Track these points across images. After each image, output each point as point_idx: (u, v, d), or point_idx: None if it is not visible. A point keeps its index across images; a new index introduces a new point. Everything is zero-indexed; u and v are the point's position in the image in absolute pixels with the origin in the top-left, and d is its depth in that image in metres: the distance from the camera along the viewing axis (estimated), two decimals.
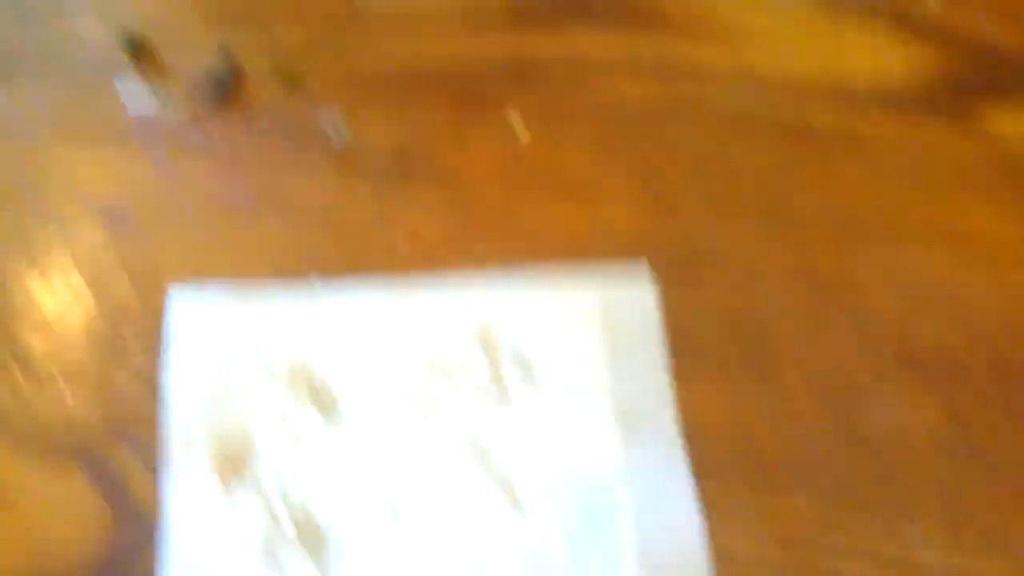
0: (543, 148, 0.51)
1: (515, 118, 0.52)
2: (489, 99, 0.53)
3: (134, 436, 0.43)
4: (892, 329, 0.46)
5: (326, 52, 0.54)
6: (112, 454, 0.43)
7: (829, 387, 0.45)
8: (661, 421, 0.44)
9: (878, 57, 0.54)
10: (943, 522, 0.42)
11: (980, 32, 0.55)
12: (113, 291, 0.47)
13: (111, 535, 0.41)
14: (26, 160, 0.51)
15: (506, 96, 0.53)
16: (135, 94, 0.52)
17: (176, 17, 0.56)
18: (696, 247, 0.48)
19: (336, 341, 0.45)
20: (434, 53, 0.54)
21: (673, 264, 0.47)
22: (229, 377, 0.44)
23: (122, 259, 0.48)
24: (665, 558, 0.41)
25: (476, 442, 0.43)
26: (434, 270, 0.47)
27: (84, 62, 0.54)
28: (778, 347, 0.46)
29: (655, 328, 0.46)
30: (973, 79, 0.54)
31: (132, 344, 0.45)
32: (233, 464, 0.42)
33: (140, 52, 0.53)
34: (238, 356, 0.44)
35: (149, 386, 0.44)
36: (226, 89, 0.52)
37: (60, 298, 0.47)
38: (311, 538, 0.41)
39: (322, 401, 0.44)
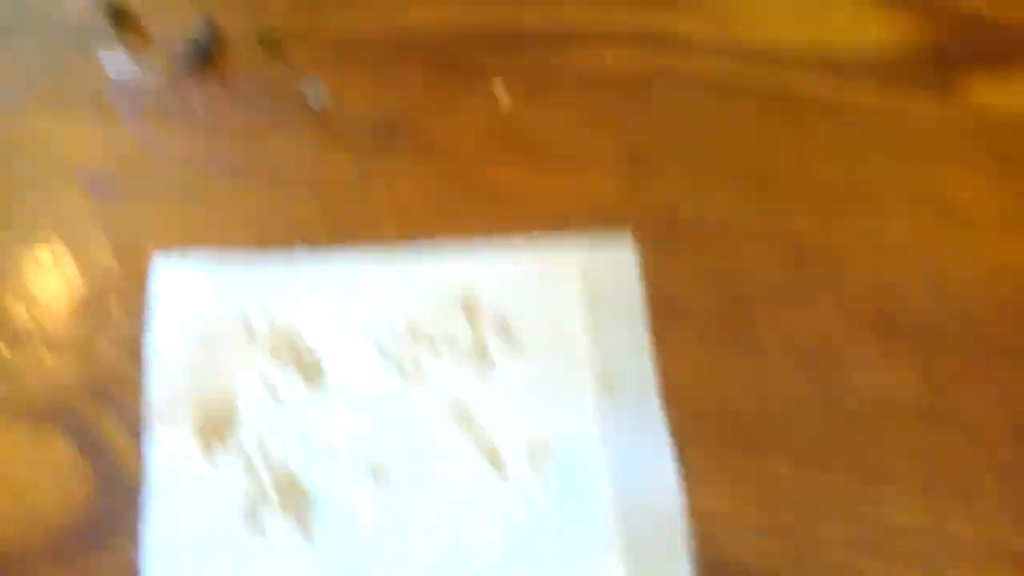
0: (526, 117, 0.51)
1: (499, 87, 0.52)
2: (473, 67, 0.53)
3: (117, 401, 0.43)
4: (871, 295, 0.46)
5: (308, 19, 0.54)
6: (95, 419, 0.43)
7: (808, 352, 0.45)
8: (641, 385, 0.44)
9: (862, 27, 0.55)
10: (919, 484, 0.42)
11: (964, 3, 0.55)
12: (96, 258, 0.47)
13: (94, 499, 0.41)
14: (8, 128, 0.51)
15: (490, 65, 0.53)
16: (117, 62, 0.52)
17: None
18: (678, 214, 0.48)
19: (319, 307, 0.45)
20: (417, 21, 0.54)
21: (654, 231, 0.47)
22: (212, 342, 0.44)
23: (105, 226, 0.48)
24: (643, 519, 0.41)
25: (458, 406, 0.43)
26: (416, 238, 0.47)
27: (66, 29, 0.54)
28: (758, 312, 0.46)
29: (636, 294, 0.46)
30: (956, 49, 0.54)
31: (115, 310, 0.45)
32: (215, 428, 0.42)
33: (122, 19, 0.53)
34: (221, 321, 0.45)
35: (132, 351, 0.44)
36: (208, 56, 0.52)
37: (43, 265, 0.47)
38: (293, 501, 0.41)
39: (305, 365, 0.44)
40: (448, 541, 0.41)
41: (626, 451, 0.42)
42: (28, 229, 0.48)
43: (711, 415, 0.44)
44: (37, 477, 0.42)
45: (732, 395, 0.44)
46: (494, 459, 0.42)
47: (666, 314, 0.46)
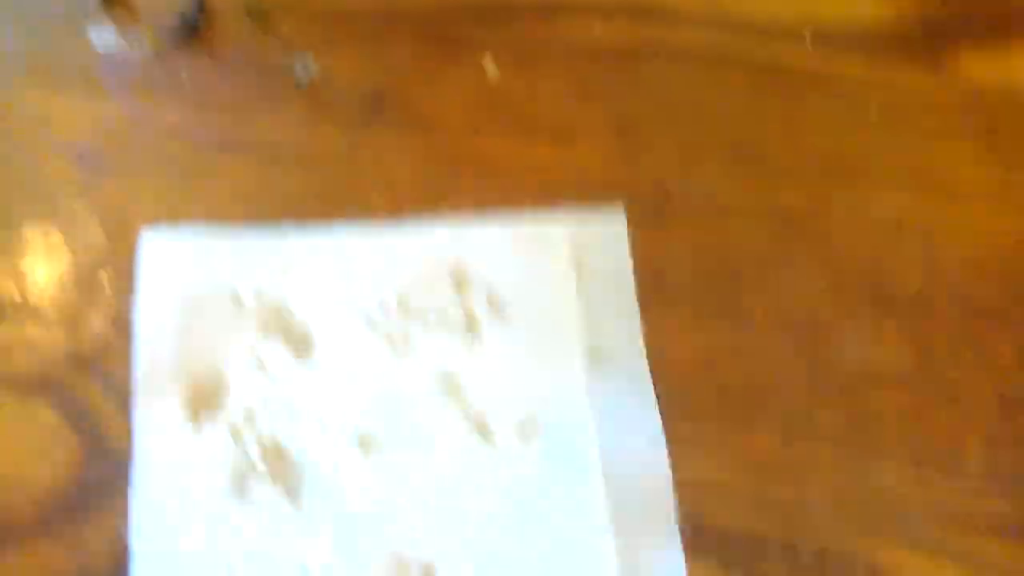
0: (515, 89, 0.51)
1: (488, 60, 0.52)
2: (462, 40, 0.52)
3: (105, 373, 0.43)
4: (860, 267, 0.46)
5: None
6: (83, 391, 0.43)
7: (797, 324, 0.45)
8: (630, 356, 0.44)
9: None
10: (907, 454, 0.42)
11: None
12: (83, 231, 0.47)
13: (81, 470, 0.41)
14: None
15: (479, 37, 0.52)
16: (104, 35, 0.52)
17: None
18: (667, 186, 0.48)
19: (307, 279, 0.45)
20: None
21: (644, 203, 0.47)
22: (199, 314, 0.44)
23: (92, 199, 0.48)
24: (632, 490, 0.41)
25: (447, 378, 0.43)
26: (405, 211, 0.47)
27: (53, 3, 0.54)
28: (747, 285, 0.46)
29: (626, 266, 0.46)
30: (946, 22, 0.54)
31: (103, 283, 0.45)
32: (203, 400, 0.42)
33: None
34: (208, 294, 0.45)
35: (120, 324, 0.44)
36: (195, 29, 0.52)
37: (30, 238, 0.47)
38: (281, 471, 0.41)
39: (293, 338, 0.44)
40: (436, 512, 0.41)
41: (615, 423, 0.42)
42: (15, 202, 0.48)
43: (700, 387, 0.44)
44: (25, 448, 0.42)
45: (721, 367, 0.44)
46: (483, 431, 0.42)
47: (655, 287, 0.46)
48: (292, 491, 0.41)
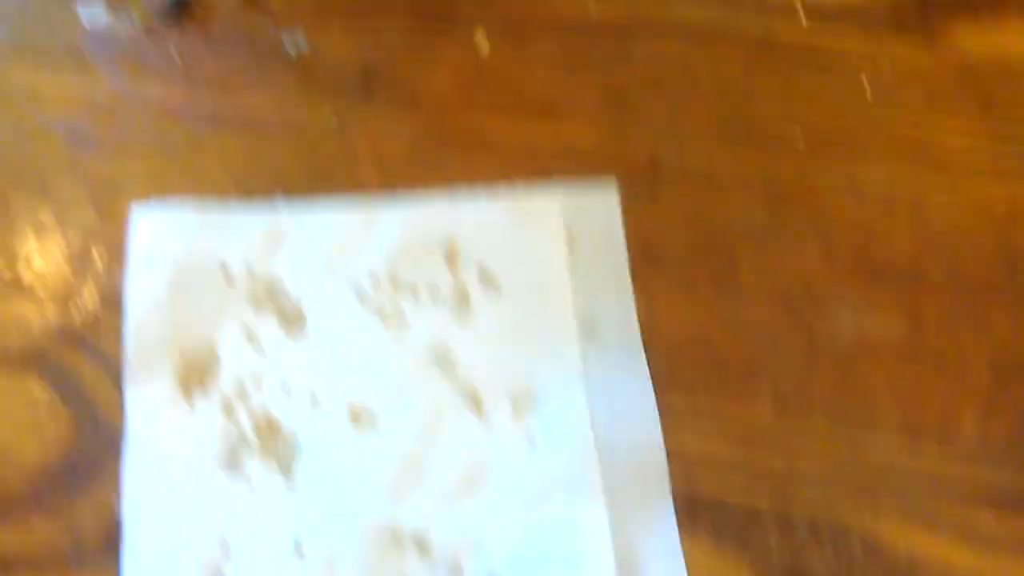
0: (508, 64, 0.51)
1: (480, 35, 0.51)
2: (453, 15, 0.52)
3: (96, 348, 0.43)
4: (853, 239, 0.46)
5: None
6: (75, 366, 0.43)
7: (790, 296, 0.45)
8: (623, 329, 0.44)
9: None
10: (900, 424, 0.42)
11: None
12: (73, 207, 0.47)
13: (74, 444, 0.41)
14: None
15: (470, 12, 0.52)
16: (94, 11, 0.51)
17: None
18: (659, 161, 0.48)
19: (298, 254, 0.45)
20: None
21: (637, 177, 0.47)
22: (190, 289, 0.44)
23: (82, 175, 0.47)
24: (627, 463, 0.41)
25: (440, 351, 0.43)
26: (396, 185, 0.47)
27: None
28: (740, 257, 0.46)
29: (618, 239, 0.46)
30: None
31: (95, 258, 0.45)
32: (195, 374, 0.42)
33: None
34: (199, 269, 0.44)
35: (111, 299, 0.44)
36: (185, 5, 0.51)
37: (20, 214, 0.46)
38: (274, 445, 0.41)
39: (284, 312, 0.44)
40: (429, 486, 0.41)
41: (608, 396, 0.42)
42: (5, 179, 0.48)
43: (693, 359, 0.44)
44: (16, 424, 0.42)
45: (714, 339, 0.44)
46: (476, 404, 0.42)
47: (648, 260, 0.46)
48: (284, 465, 0.41)
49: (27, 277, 0.45)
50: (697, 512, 0.41)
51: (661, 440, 0.42)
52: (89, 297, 0.44)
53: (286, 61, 0.51)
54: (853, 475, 0.41)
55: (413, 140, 0.49)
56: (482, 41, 0.51)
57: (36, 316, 0.44)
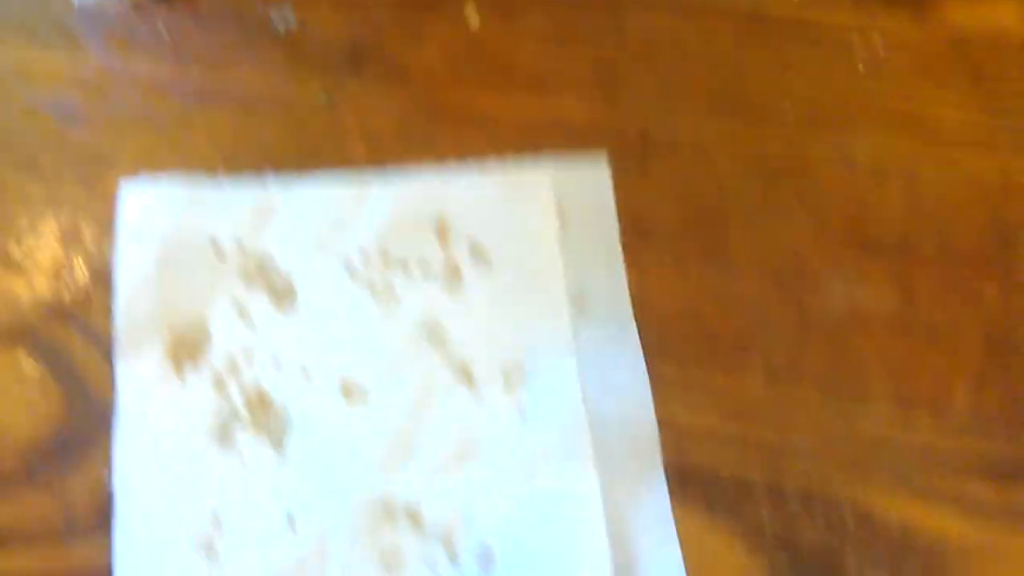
0: (497, 38, 0.51)
1: (470, 8, 0.51)
2: None
3: (87, 323, 0.43)
4: (845, 212, 0.46)
5: None
6: (65, 341, 0.43)
7: (781, 269, 0.45)
8: (614, 302, 0.44)
9: None
10: (891, 396, 0.42)
11: None
12: (63, 183, 0.46)
13: (65, 420, 0.41)
14: None
15: None
16: None
17: None
18: (650, 135, 0.48)
19: (288, 229, 0.45)
20: None
21: (628, 151, 0.47)
22: (180, 265, 0.44)
23: (72, 152, 0.47)
24: (619, 437, 0.41)
25: (431, 326, 0.43)
26: (386, 161, 0.47)
27: None
28: (731, 231, 0.46)
29: (610, 212, 0.46)
30: None
31: (84, 234, 0.45)
32: (186, 349, 0.42)
33: None
34: (189, 244, 0.44)
35: (101, 274, 0.44)
36: None
37: (8, 190, 0.46)
38: (265, 419, 0.41)
39: (275, 287, 0.44)
40: (421, 459, 0.41)
41: (600, 369, 0.42)
42: None
43: (685, 332, 0.44)
44: (7, 399, 0.42)
45: (706, 312, 0.44)
46: (467, 378, 0.42)
47: (640, 234, 0.46)
48: (276, 439, 0.41)
49: (16, 254, 0.45)
50: (689, 484, 0.41)
51: (653, 413, 0.42)
52: (79, 273, 0.44)
53: (274, 37, 0.50)
54: (845, 448, 0.42)
55: (402, 115, 0.48)
56: (472, 15, 0.51)
57: (26, 292, 0.44)
